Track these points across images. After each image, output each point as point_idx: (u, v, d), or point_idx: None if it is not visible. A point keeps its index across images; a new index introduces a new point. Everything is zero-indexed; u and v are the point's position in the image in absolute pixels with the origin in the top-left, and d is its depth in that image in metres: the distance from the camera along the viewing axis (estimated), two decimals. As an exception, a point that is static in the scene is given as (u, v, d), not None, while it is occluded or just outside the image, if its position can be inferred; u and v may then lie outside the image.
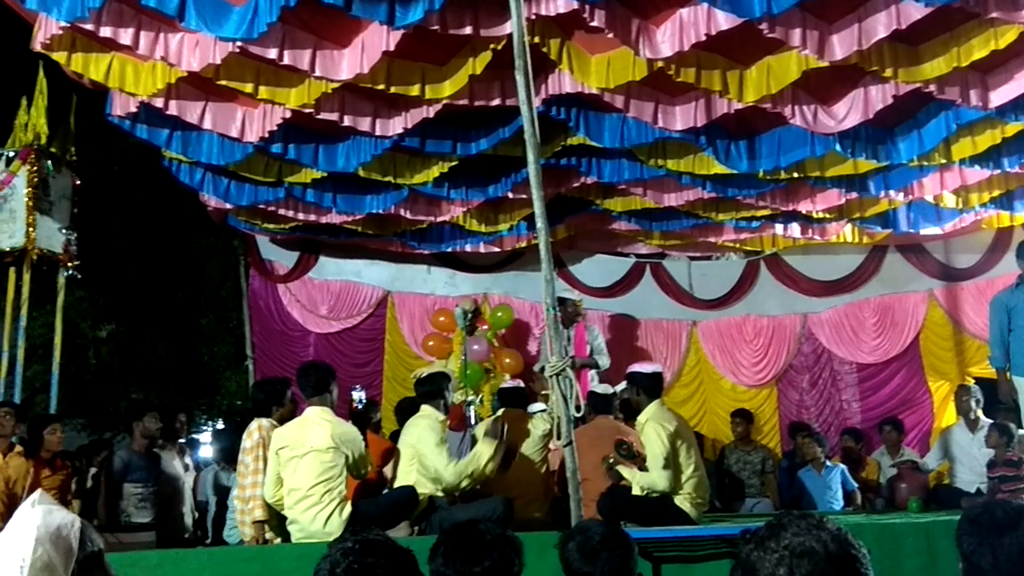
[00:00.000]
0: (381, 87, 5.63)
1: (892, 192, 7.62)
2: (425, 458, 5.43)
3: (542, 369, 4.93)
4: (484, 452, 5.40)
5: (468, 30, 5.16)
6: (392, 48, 5.15)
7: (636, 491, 5.52)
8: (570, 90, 5.92)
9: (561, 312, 8.41)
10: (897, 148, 6.66)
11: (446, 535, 2.49)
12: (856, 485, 7.79)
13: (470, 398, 7.97)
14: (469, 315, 8.50)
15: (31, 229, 7.10)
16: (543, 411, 6.37)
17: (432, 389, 5.82)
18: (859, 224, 8.85)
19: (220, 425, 16.99)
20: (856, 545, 1.56)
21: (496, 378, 8.52)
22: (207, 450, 11.44)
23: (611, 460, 5.67)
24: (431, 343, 9.09)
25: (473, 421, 7.74)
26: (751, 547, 1.58)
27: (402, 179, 7.20)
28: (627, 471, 5.57)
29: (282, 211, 8.10)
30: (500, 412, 5.99)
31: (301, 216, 8.21)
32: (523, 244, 9.15)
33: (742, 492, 8.26)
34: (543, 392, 6.09)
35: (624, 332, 9.71)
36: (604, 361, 8.31)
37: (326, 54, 5.39)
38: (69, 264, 7.57)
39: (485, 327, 8.85)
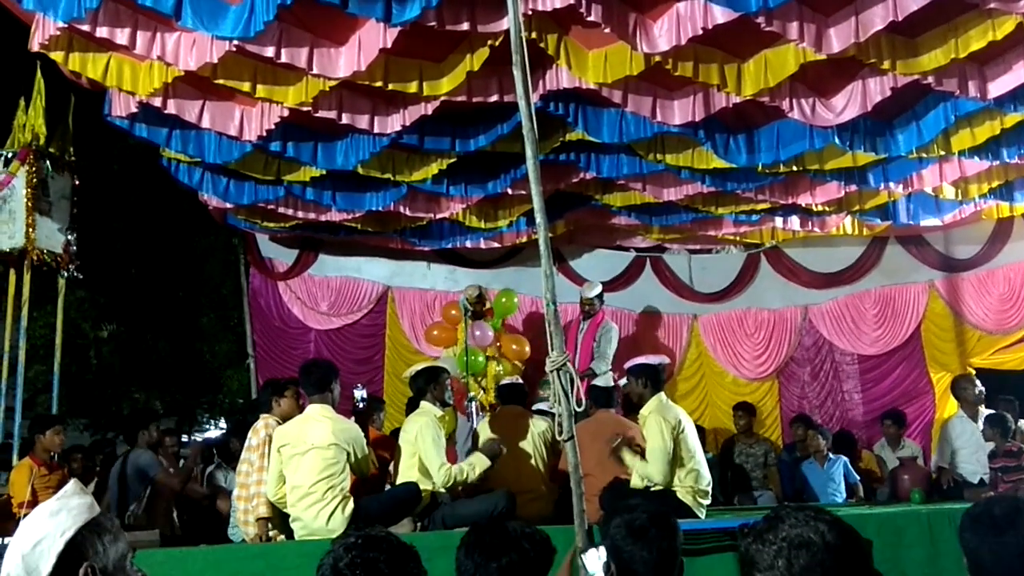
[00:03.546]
0: (379, 84, 5.62)
1: (891, 184, 7.61)
2: (422, 455, 5.46)
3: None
4: (477, 466, 5.46)
5: (465, 26, 5.15)
6: (389, 45, 5.14)
7: (635, 480, 5.53)
8: (568, 85, 5.92)
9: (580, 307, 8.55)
10: (896, 140, 6.66)
11: (474, 528, 2.50)
12: (858, 477, 7.81)
13: (472, 393, 7.97)
14: (473, 302, 8.48)
15: (31, 230, 7.10)
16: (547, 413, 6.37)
17: (427, 384, 5.82)
18: (859, 216, 8.84)
19: (223, 423, 17.03)
20: (854, 536, 1.57)
21: (501, 364, 8.53)
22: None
23: (619, 440, 5.66)
24: (435, 332, 9.10)
25: (475, 413, 7.73)
26: (749, 540, 1.59)
27: (401, 176, 7.20)
28: (629, 457, 5.57)
29: (282, 209, 8.10)
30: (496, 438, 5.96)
31: (301, 214, 8.20)
32: (523, 239, 9.15)
33: (747, 485, 8.27)
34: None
35: (625, 326, 9.72)
36: (602, 367, 8.23)
37: (323, 52, 5.39)
38: (69, 264, 7.57)
39: (490, 317, 8.86)
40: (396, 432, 6.48)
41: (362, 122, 6.16)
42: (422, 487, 5.40)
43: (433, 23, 5.02)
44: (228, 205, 7.92)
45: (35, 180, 7.17)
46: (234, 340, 13.97)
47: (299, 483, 5.04)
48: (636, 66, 5.58)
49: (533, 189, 4.37)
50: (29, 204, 7.12)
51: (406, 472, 5.57)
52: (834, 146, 6.69)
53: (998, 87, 5.83)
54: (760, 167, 7.02)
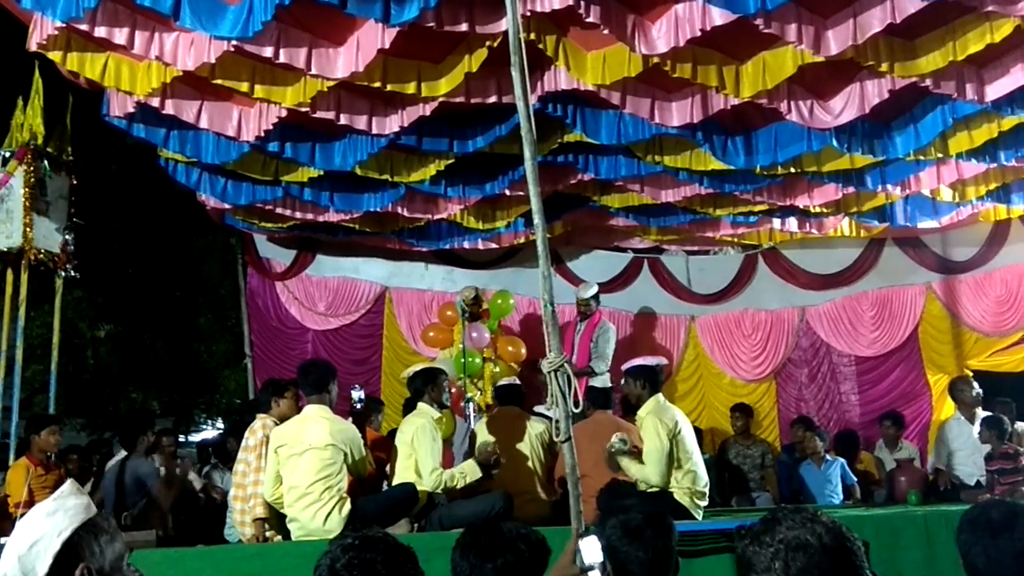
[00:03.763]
0: (377, 85, 5.62)
1: (889, 186, 7.62)
2: (418, 456, 5.46)
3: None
4: (468, 475, 5.47)
5: (464, 27, 5.15)
6: (387, 46, 5.14)
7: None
8: (566, 87, 5.92)
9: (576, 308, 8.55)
10: (893, 142, 6.66)
11: (469, 529, 2.50)
12: (855, 479, 7.81)
13: (469, 394, 7.96)
14: (469, 303, 8.47)
15: (28, 229, 7.10)
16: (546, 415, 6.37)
17: (425, 385, 5.82)
18: (856, 218, 8.85)
19: (220, 424, 17.01)
20: (851, 537, 1.57)
21: (498, 366, 8.52)
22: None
23: (613, 448, 5.66)
24: (431, 334, 9.10)
25: (472, 415, 7.72)
26: (746, 542, 1.59)
27: (399, 177, 7.20)
28: (626, 461, 5.57)
29: (279, 210, 8.10)
30: (494, 442, 5.94)
31: (299, 215, 8.20)
32: (521, 240, 9.15)
33: (744, 487, 8.26)
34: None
35: (622, 327, 9.72)
36: (601, 367, 8.23)
37: (322, 52, 5.39)
38: (67, 264, 7.56)
39: (487, 318, 8.86)
40: (393, 433, 6.48)
41: (360, 123, 6.16)
42: (419, 488, 5.40)
43: (431, 24, 5.02)
44: (226, 205, 7.91)
45: (33, 180, 7.16)
46: (231, 340, 13.96)
47: (296, 483, 5.03)
48: (634, 67, 5.58)
49: (531, 190, 4.36)
50: (27, 204, 7.11)
51: (403, 473, 5.57)
52: (832, 148, 6.69)
53: (996, 90, 5.83)
54: (758, 169, 7.02)
